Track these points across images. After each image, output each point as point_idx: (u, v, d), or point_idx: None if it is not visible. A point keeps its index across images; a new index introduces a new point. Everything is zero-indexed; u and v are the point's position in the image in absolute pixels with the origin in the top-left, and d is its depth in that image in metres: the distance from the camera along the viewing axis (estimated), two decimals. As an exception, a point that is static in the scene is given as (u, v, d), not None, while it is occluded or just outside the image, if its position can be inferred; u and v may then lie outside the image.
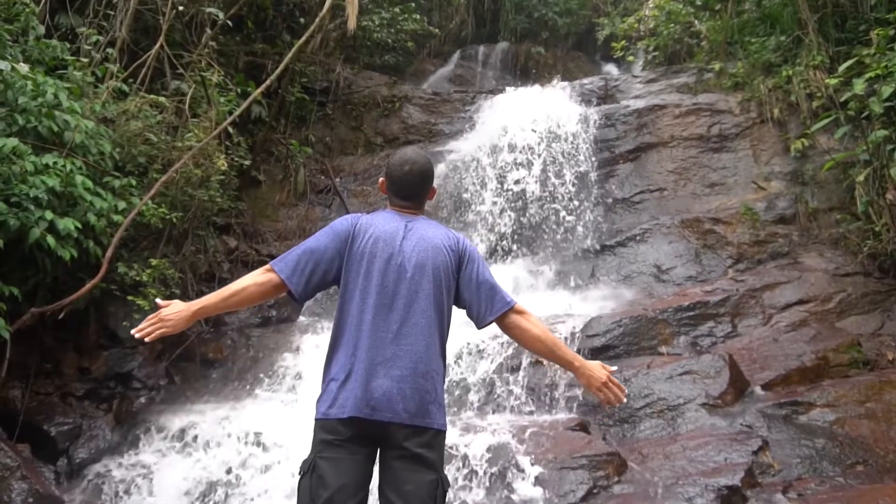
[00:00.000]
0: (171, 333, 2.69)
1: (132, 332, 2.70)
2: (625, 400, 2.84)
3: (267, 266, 2.77)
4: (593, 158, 8.92)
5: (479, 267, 2.84)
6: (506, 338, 6.29)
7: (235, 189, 8.23)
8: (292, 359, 6.70)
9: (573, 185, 8.77)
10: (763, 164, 8.37)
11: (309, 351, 6.68)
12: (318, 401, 2.68)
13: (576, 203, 8.65)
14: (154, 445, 5.72)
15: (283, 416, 5.90)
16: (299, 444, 5.28)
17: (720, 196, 8.29)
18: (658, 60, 11.80)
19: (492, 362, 6.17)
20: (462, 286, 2.82)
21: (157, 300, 2.80)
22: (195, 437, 5.67)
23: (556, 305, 7.06)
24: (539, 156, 8.97)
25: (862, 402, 5.28)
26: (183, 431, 5.75)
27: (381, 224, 2.81)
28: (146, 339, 2.65)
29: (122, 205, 6.03)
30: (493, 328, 2.87)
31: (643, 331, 6.29)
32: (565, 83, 10.82)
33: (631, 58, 12.64)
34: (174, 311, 2.67)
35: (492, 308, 2.79)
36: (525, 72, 14.18)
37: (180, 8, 7.82)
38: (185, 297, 6.97)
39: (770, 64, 8.89)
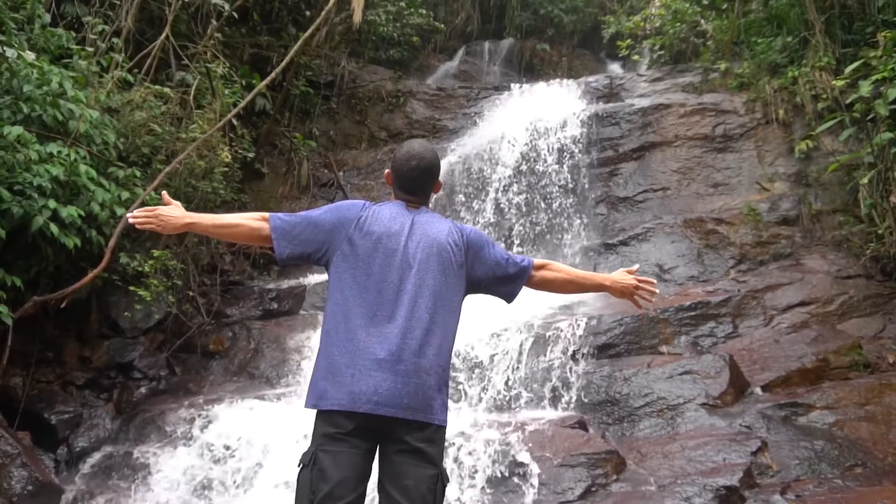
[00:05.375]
0: (158, 232, 2.82)
1: (127, 215, 2.80)
2: (657, 291, 3.03)
3: (266, 215, 2.83)
4: (597, 157, 8.90)
5: (489, 249, 2.89)
6: (505, 335, 6.34)
7: (239, 181, 8.25)
8: (293, 352, 6.71)
9: (576, 182, 8.76)
10: (767, 165, 8.36)
11: (310, 344, 6.68)
12: (317, 393, 2.64)
13: (578, 201, 8.64)
14: (154, 436, 5.73)
15: (282, 409, 5.91)
16: (297, 437, 5.29)
17: (723, 196, 8.28)
18: (663, 59, 11.78)
19: (491, 359, 6.18)
20: (480, 274, 2.87)
21: (164, 193, 2.90)
22: (195, 429, 5.68)
23: (558, 303, 7.05)
24: (542, 153, 8.96)
25: (862, 405, 5.28)
26: (182, 422, 5.76)
27: (387, 218, 2.80)
28: (136, 226, 2.78)
29: (125, 195, 6.04)
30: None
31: (644, 330, 6.29)
32: (570, 81, 10.80)
33: (636, 56, 12.62)
34: (171, 213, 2.80)
35: (515, 281, 2.93)
36: (530, 69, 14.16)
37: (186, -1, 7.82)
38: (187, 288, 7.00)
39: (776, 64, 8.86)
